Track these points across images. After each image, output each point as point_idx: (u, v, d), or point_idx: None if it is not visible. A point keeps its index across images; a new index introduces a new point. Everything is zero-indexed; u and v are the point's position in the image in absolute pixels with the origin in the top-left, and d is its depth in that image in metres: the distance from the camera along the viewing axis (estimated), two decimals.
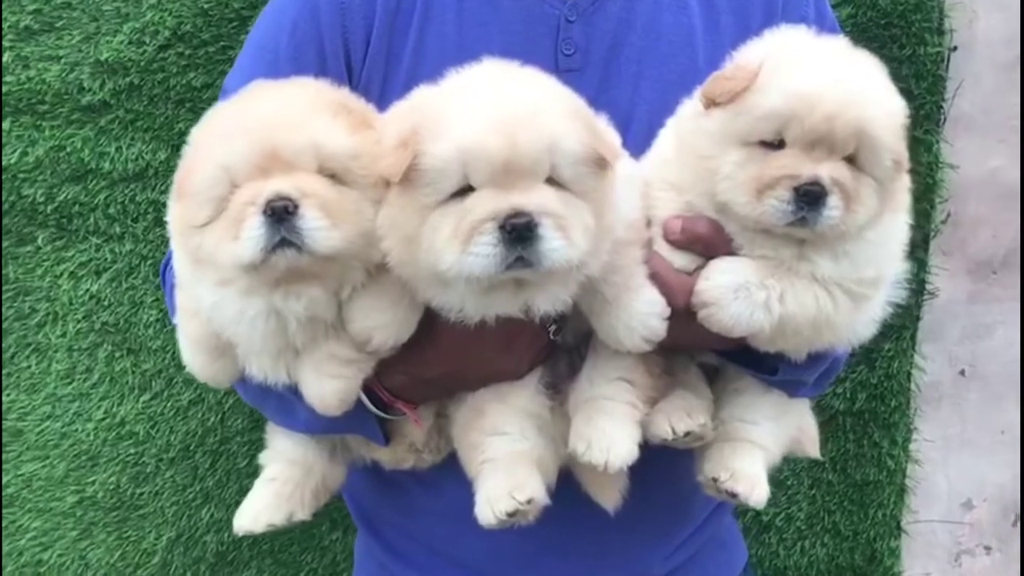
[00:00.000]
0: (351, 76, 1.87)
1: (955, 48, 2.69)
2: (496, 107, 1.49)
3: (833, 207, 1.52)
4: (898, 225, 1.67)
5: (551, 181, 1.49)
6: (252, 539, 2.72)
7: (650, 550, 2.00)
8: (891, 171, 1.56)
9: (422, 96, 1.61)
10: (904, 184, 1.65)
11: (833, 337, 1.67)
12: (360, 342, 1.61)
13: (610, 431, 1.66)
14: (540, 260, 1.44)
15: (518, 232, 1.42)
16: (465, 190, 1.47)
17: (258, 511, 1.87)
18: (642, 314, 1.62)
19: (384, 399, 1.74)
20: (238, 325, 1.58)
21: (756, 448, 1.78)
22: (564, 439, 1.75)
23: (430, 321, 1.64)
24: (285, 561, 2.76)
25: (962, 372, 2.97)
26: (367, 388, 1.70)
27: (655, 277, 1.64)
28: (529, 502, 1.64)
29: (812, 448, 2.03)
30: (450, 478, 1.88)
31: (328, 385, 1.64)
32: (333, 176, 1.51)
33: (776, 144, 1.55)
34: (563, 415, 1.76)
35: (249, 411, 2.64)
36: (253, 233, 1.44)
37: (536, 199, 1.44)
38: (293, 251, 1.45)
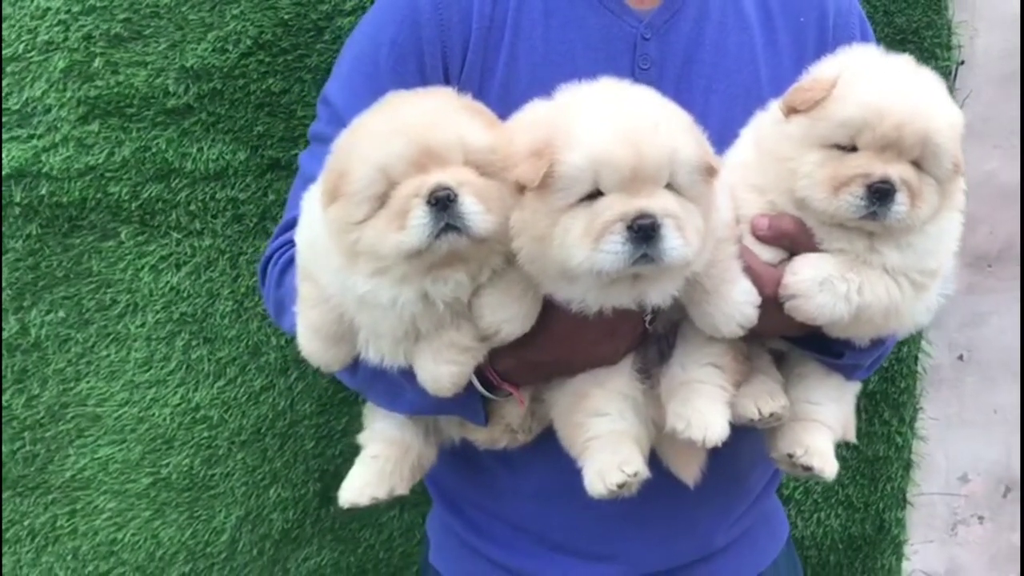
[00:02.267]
0: (448, 86, 2.03)
1: (962, 62, 2.94)
2: (623, 121, 1.67)
3: (901, 203, 1.72)
4: (954, 222, 1.87)
5: (669, 187, 1.67)
6: (315, 517, 2.86)
7: (715, 524, 2.17)
8: (950, 173, 1.77)
9: (545, 109, 1.79)
10: (959, 185, 1.85)
11: (898, 324, 1.88)
12: (489, 334, 1.78)
13: (706, 410, 1.84)
14: (662, 257, 1.62)
15: (644, 232, 1.60)
16: (594, 195, 1.65)
17: (363, 485, 2.03)
18: (739, 303, 1.80)
19: (493, 381, 1.88)
20: (390, 310, 1.73)
21: (823, 427, 1.98)
22: (654, 420, 1.93)
23: (543, 310, 1.80)
24: (344, 537, 2.91)
25: (960, 357, 3.22)
26: (476, 370, 1.84)
27: (746, 269, 1.82)
28: (635, 474, 1.81)
29: (850, 432, 2.21)
30: (533, 460, 2.06)
31: (444, 369, 1.79)
32: (477, 168, 1.68)
33: (850, 148, 1.76)
34: (653, 398, 1.94)
35: (317, 396, 2.78)
36: (420, 221, 1.61)
37: (660, 203, 1.63)
38: (455, 234, 1.62)
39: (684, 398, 1.86)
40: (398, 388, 1.92)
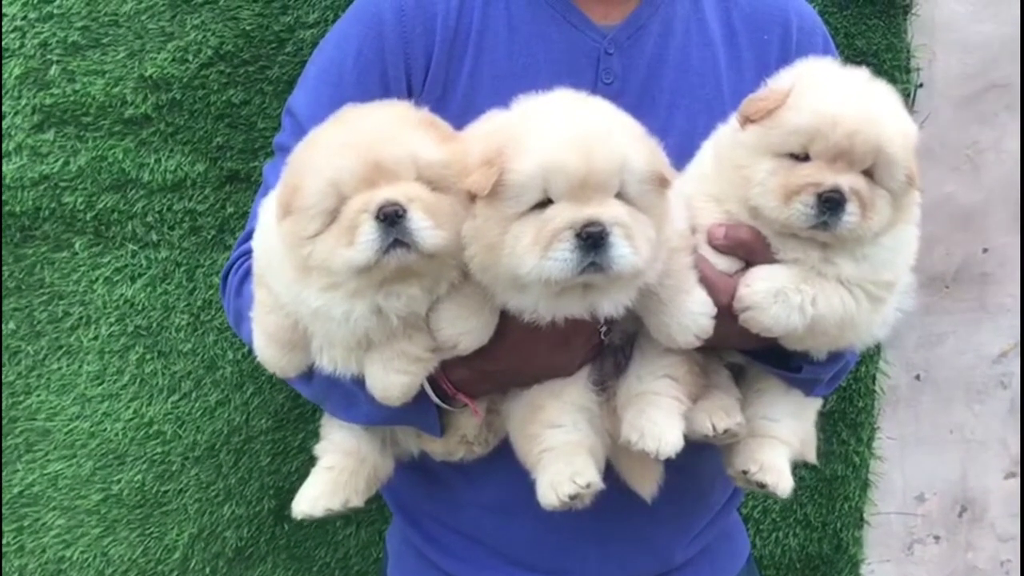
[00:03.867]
0: (411, 98, 2.00)
1: (921, 85, 2.98)
2: (574, 129, 1.67)
3: (851, 213, 1.71)
4: (910, 235, 1.87)
5: (619, 197, 1.67)
6: (270, 534, 2.82)
7: (674, 540, 2.16)
8: (904, 185, 1.77)
9: (500, 119, 1.78)
10: (914, 198, 1.86)
11: (854, 337, 1.88)
12: (448, 347, 1.77)
13: (660, 422, 1.83)
14: (610, 265, 1.62)
15: (593, 239, 1.60)
16: (544, 203, 1.65)
17: (317, 496, 2.00)
18: (694, 313, 1.80)
19: (448, 391, 1.87)
20: (344, 325, 1.73)
21: (780, 443, 1.97)
22: (610, 432, 1.92)
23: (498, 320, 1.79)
24: (299, 555, 2.86)
25: (917, 377, 3.25)
26: (430, 380, 1.84)
27: (702, 280, 1.81)
28: (588, 486, 1.81)
29: (810, 452, 2.21)
30: (491, 471, 2.04)
31: (394, 379, 1.78)
32: (429, 183, 1.68)
33: (803, 157, 1.76)
34: (609, 410, 1.93)
35: (273, 412, 2.74)
36: (368, 237, 1.61)
37: (609, 212, 1.63)
38: (404, 250, 1.62)
39: (639, 409, 1.85)
40: (353, 398, 1.90)
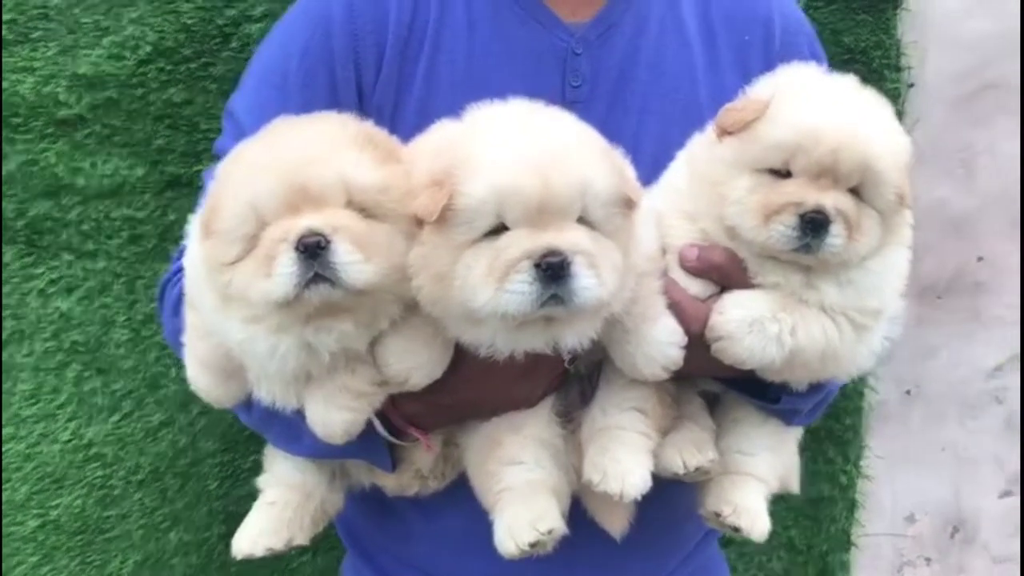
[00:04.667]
0: (362, 102, 1.88)
1: (912, 84, 2.83)
2: (529, 148, 1.52)
3: (836, 235, 1.58)
4: (899, 257, 1.73)
5: (581, 221, 1.52)
6: (220, 562, 2.68)
7: (646, 575, 2.03)
8: (894, 204, 1.63)
9: (449, 133, 1.63)
10: (905, 218, 1.71)
11: (837, 368, 1.73)
12: (398, 382, 1.63)
13: (625, 461, 1.70)
14: (572, 298, 1.47)
15: (553, 270, 1.46)
16: (498, 229, 1.50)
17: (258, 535, 1.87)
18: (661, 343, 1.66)
19: (397, 426, 1.75)
20: (270, 360, 1.58)
21: (755, 481, 1.84)
22: (576, 467, 1.78)
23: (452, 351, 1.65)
24: None
25: (908, 392, 3.12)
26: (379, 413, 1.70)
27: (672, 305, 1.68)
28: (550, 532, 1.67)
29: (793, 483, 2.07)
30: (447, 504, 1.91)
31: (336, 416, 1.64)
32: (363, 210, 1.52)
33: (784, 173, 1.62)
34: (575, 443, 1.79)
35: (221, 433, 2.61)
36: (286, 270, 1.45)
37: (570, 238, 1.48)
38: (326, 286, 1.47)
39: (602, 446, 1.72)
40: (295, 430, 1.77)
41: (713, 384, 1.86)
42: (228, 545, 2.61)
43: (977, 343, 3.14)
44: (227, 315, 1.58)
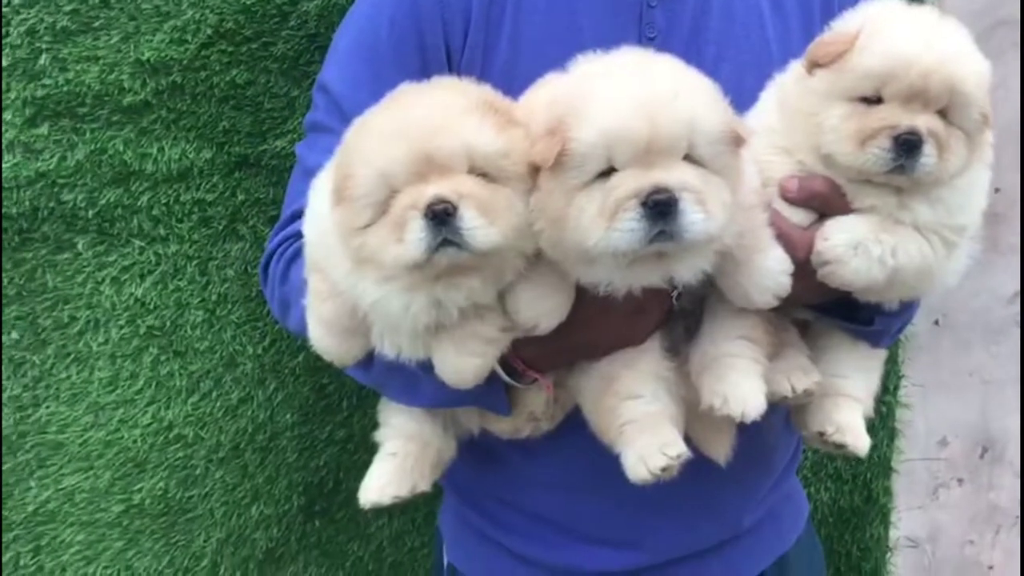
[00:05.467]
0: (451, 66, 1.93)
1: None
2: (637, 91, 1.60)
3: (928, 155, 1.68)
4: (982, 175, 1.84)
5: (690, 159, 1.60)
6: (300, 532, 2.71)
7: (741, 505, 2.13)
8: (979, 124, 1.74)
9: (560, 85, 1.71)
10: (987, 138, 1.82)
11: (929, 285, 1.84)
12: (528, 328, 1.71)
13: (743, 385, 1.78)
14: (681, 233, 1.55)
15: (660, 207, 1.53)
16: (609, 171, 1.58)
17: (383, 484, 1.96)
18: (772, 271, 1.74)
19: (518, 368, 1.82)
20: (403, 317, 1.67)
21: (853, 401, 1.94)
22: (685, 399, 1.87)
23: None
24: (331, 552, 2.76)
25: (936, 322, 3.25)
26: (500, 358, 1.77)
27: (776, 235, 1.76)
28: (678, 456, 1.76)
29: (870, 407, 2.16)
30: (552, 447, 1.99)
31: (467, 362, 1.72)
32: (485, 175, 1.60)
33: (875, 100, 1.71)
34: (683, 376, 1.87)
35: (298, 406, 2.63)
36: (417, 236, 1.54)
37: (677, 176, 1.56)
38: (454, 249, 1.55)
39: (718, 374, 1.80)
40: (415, 381, 1.84)
41: (805, 312, 1.94)
42: (308, 515, 2.73)
43: (996, 271, 3.26)
44: (360, 276, 1.66)
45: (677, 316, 1.89)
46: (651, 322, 1.84)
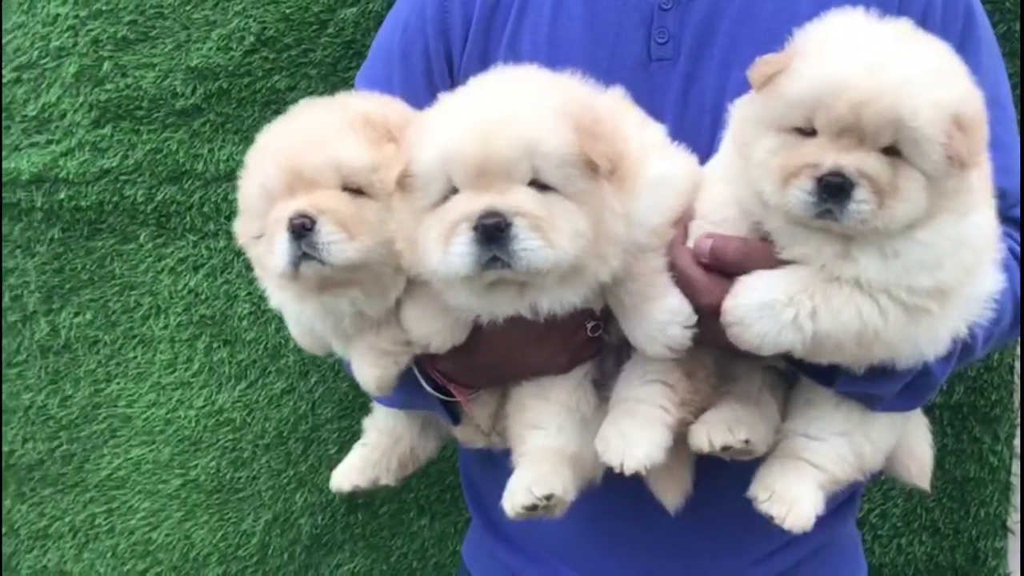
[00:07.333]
0: (451, 73, 1.93)
1: None
2: (474, 113, 1.53)
3: (861, 200, 1.42)
4: (968, 230, 1.52)
5: (537, 184, 1.49)
6: (344, 523, 2.80)
7: (730, 555, 1.96)
8: (942, 166, 1.43)
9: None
10: (970, 184, 1.50)
11: (888, 352, 1.56)
12: (422, 345, 1.71)
13: (630, 434, 1.65)
14: (515, 260, 1.46)
15: (489, 232, 1.45)
16: (453, 193, 1.52)
17: (347, 471, 2.08)
18: (661, 323, 1.60)
19: (438, 381, 1.80)
20: (298, 323, 1.77)
21: (809, 468, 1.71)
22: None
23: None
24: (376, 545, 2.83)
25: None
26: (424, 370, 1.78)
27: (681, 275, 1.60)
28: (548, 498, 1.64)
29: (920, 476, 1.92)
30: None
31: (367, 371, 1.76)
32: (357, 190, 1.62)
33: (810, 132, 1.47)
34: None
35: (338, 400, 2.71)
36: (281, 248, 1.58)
37: (511, 200, 1.47)
38: (315, 263, 1.57)
39: (613, 418, 1.70)
40: None
41: (778, 360, 1.72)
42: (351, 507, 2.80)
43: None
44: (266, 283, 1.76)
45: (609, 349, 1.78)
46: (560, 352, 1.75)
